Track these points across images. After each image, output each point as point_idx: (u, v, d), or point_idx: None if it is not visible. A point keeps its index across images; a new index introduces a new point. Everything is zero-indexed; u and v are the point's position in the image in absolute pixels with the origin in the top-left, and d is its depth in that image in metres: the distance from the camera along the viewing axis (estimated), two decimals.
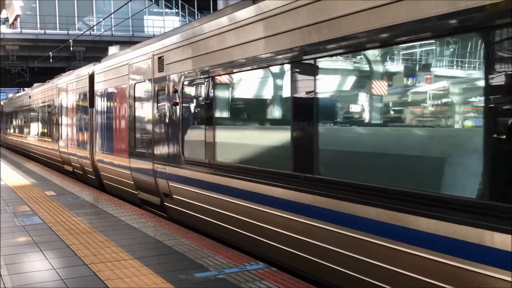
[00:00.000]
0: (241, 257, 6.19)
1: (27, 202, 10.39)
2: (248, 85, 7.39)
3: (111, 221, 8.45)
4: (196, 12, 47.17)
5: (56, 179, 14.63)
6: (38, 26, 41.39)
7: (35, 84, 24.77)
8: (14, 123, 30.48)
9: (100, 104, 12.80)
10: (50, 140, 19.02)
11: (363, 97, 5.60)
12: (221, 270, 5.60)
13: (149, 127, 9.59)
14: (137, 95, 10.33)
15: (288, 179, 5.67)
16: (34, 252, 6.52)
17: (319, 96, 5.29)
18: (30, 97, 23.97)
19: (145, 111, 9.87)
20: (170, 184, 8.60)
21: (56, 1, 43.46)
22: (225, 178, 6.92)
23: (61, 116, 17.13)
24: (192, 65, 7.86)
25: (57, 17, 42.93)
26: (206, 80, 7.46)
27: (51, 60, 32.79)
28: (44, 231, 7.66)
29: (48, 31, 40.30)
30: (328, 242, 5.10)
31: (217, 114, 7.52)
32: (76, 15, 44.10)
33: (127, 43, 33.17)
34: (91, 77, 13.51)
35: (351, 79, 5.86)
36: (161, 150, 8.98)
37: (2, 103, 37.48)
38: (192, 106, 8.38)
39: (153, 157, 9.27)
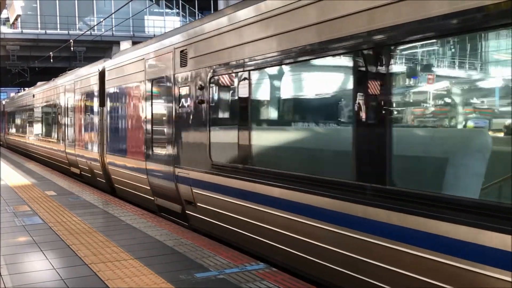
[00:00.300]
0: (241, 257, 6.18)
1: (28, 202, 10.39)
2: (298, 79, 6.36)
3: (112, 221, 8.45)
4: (196, 12, 47.19)
5: (57, 179, 14.63)
6: (39, 26, 41.46)
7: (39, 83, 24.10)
8: (16, 123, 29.40)
9: (112, 102, 11.96)
10: (55, 140, 18.17)
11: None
12: (221, 270, 5.60)
13: (169, 127, 8.71)
14: (154, 92, 9.51)
15: (351, 191, 4.71)
16: (34, 252, 6.52)
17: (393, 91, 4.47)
18: (33, 96, 23.13)
19: (165, 110, 8.99)
20: (194, 190, 7.74)
21: (57, 1, 43.51)
22: (263, 186, 6.04)
23: (67, 115, 16.32)
24: (225, 57, 6.93)
25: (58, 17, 43.00)
26: (243, 74, 6.54)
27: (51, 60, 32.83)
28: (44, 231, 7.66)
29: (48, 31, 40.37)
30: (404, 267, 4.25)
31: (255, 113, 6.67)
32: (76, 15, 44.16)
33: None
34: (102, 74, 12.67)
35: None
36: (184, 153, 8.17)
37: (3, 102, 36.54)
38: (223, 104, 7.55)
39: (174, 161, 8.43)
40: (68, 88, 16.13)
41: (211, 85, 7.39)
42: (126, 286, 5.12)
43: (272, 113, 6.91)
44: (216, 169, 7.11)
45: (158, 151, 9.23)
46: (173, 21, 46.77)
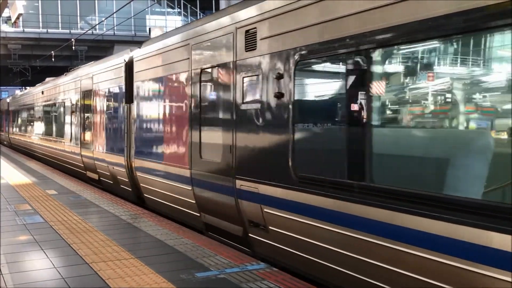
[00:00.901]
0: (242, 257, 6.18)
1: (29, 201, 10.39)
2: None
3: (112, 220, 8.45)
4: (198, 12, 47.20)
5: (58, 178, 14.64)
6: (41, 25, 41.54)
7: (48, 79, 22.68)
8: (22, 122, 27.31)
9: (143, 98, 10.24)
10: (68, 141, 16.34)
11: None
12: (222, 270, 5.60)
13: (227, 128, 6.95)
14: (204, 84, 7.79)
15: None
16: (35, 250, 6.52)
17: None
18: (42, 93, 21.34)
19: (220, 106, 7.23)
20: (265, 210, 6.08)
21: (59, 1, 43.56)
22: (388, 212, 4.39)
23: (83, 114, 14.55)
24: (325, 33, 5.12)
25: (60, 16, 43.04)
26: (359, 54, 4.77)
27: (53, 59, 32.81)
28: (45, 230, 7.67)
29: (50, 30, 40.46)
30: None
31: (380, 109, 4.83)
32: (78, 14, 44.20)
33: (129, 42, 33.34)
34: (129, 66, 11.02)
35: None
36: (251, 161, 6.40)
37: (8, 100, 34.51)
38: (319, 98, 6.03)
39: (235, 170, 6.67)
40: (85, 83, 14.50)
41: (297, 72, 5.65)
42: (127, 285, 5.12)
43: (414, 109, 4.79)
44: (304, 183, 5.42)
45: (210, 157, 7.44)
46: (174, 20, 46.79)
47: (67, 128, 16.70)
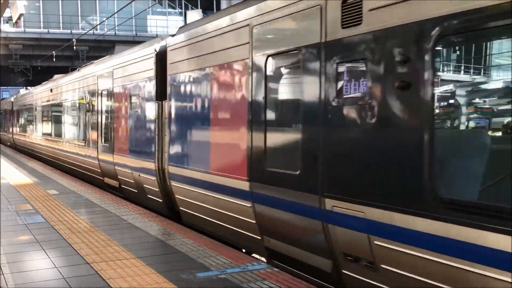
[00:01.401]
0: (243, 257, 6.18)
1: (30, 200, 10.39)
2: None
3: (114, 220, 8.45)
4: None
5: (59, 178, 14.64)
6: (42, 25, 41.55)
7: (56, 76, 21.08)
8: (28, 122, 25.40)
9: (181, 94, 8.52)
10: (83, 144, 14.61)
11: None
12: (223, 270, 5.60)
13: (310, 130, 5.42)
14: (272, 75, 6.25)
15: None
16: (36, 250, 6.52)
17: None
18: (51, 90, 19.51)
19: (297, 102, 5.70)
20: (376, 242, 4.60)
21: (60, 1, 43.59)
22: None
23: (101, 113, 12.99)
24: None
25: (61, 16, 43.06)
26: None
27: (54, 59, 32.84)
28: (46, 230, 7.67)
29: (51, 30, 40.47)
30: None
31: None
32: (79, 14, 44.23)
33: (130, 42, 33.35)
34: (160, 57, 9.43)
35: None
36: (353, 175, 4.82)
37: (12, 99, 32.67)
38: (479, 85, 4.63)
39: (323, 186, 5.18)
40: (103, 79, 12.92)
41: (438, 53, 4.30)
42: (128, 285, 5.12)
43: None
44: (454, 210, 3.83)
45: (281, 167, 5.90)
46: (175, 20, 46.81)
47: (80, 129, 15.11)
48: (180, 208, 8.77)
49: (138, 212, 9.09)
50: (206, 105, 7.72)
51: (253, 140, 6.41)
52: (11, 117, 31.93)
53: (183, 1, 47.92)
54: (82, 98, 14.79)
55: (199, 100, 7.97)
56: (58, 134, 18.21)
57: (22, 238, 7.19)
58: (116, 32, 38.48)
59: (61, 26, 42.42)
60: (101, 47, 38.65)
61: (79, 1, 44.18)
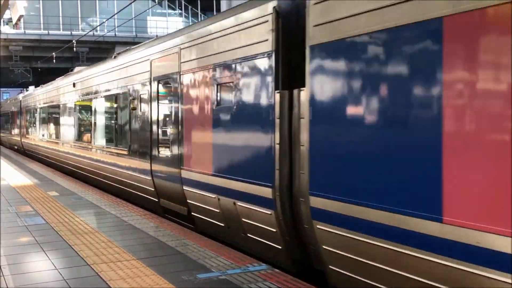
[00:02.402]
0: (243, 258, 6.17)
1: (30, 202, 10.39)
2: None
3: (114, 221, 8.44)
4: (199, 13, 47.26)
5: (59, 179, 14.64)
6: (42, 27, 41.59)
7: (78, 68, 17.96)
8: (42, 123, 21.60)
9: (349, 77, 4.97)
10: (125, 152, 11.20)
11: None
12: (223, 271, 5.59)
13: None
14: None
15: None
16: (36, 252, 6.52)
17: None
18: (74, 85, 16.00)
19: None
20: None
21: (60, 2, 43.63)
22: None
23: (157, 111, 9.64)
24: None
25: (61, 18, 43.13)
26: None
27: (54, 61, 32.89)
28: (46, 231, 7.66)
29: (51, 32, 40.54)
30: None
31: None
32: (79, 15, 44.29)
33: (130, 43, 33.37)
34: (285, 19, 6.16)
35: None
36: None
37: (20, 97, 29.13)
38: None
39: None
40: (162, 64, 9.43)
41: None
42: (128, 287, 5.11)
43: None
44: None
45: None
46: (175, 21, 46.84)
47: (121, 133, 11.89)
48: (330, 266, 5.36)
49: (138, 214, 9.09)
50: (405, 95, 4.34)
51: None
52: (19, 118, 28.10)
53: (183, 2, 47.94)
54: (124, 93, 11.34)
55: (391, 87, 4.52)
56: (85, 139, 14.75)
57: (23, 240, 7.19)
58: (116, 33, 38.53)
59: (61, 27, 42.48)
60: (101, 48, 38.72)
61: (79, 2, 44.24)
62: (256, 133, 6.49)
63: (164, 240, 7.07)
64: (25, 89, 42.47)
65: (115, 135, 12.35)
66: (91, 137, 14.07)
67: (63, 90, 17.67)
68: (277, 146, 6.03)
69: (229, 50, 7.07)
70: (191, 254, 6.31)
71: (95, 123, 13.91)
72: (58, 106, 18.30)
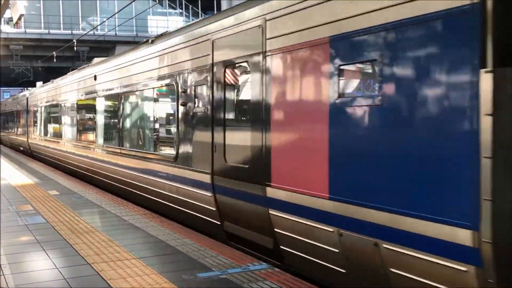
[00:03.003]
0: (244, 257, 6.17)
1: (30, 201, 10.39)
2: None
3: (114, 220, 8.44)
4: (200, 12, 47.25)
5: (60, 178, 14.64)
6: (42, 26, 41.62)
7: (97, 59, 15.56)
8: (54, 123, 19.19)
9: None
10: (170, 159, 8.74)
11: None
12: (224, 270, 5.59)
13: None
14: None
15: None
16: (37, 251, 6.52)
17: None
18: (95, 78, 13.55)
19: None
20: None
21: (60, 1, 43.67)
22: None
23: (221, 107, 7.18)
24: None
25: (61, 17, 43.15)
26: None
27: (54, 60, 32.90)
28: (47, 231, 7.66)
29: (52, 31, 40.57)
30: None
31: None
32: (80, 15, 44.31)
33: (131, 43, 33.36)
34: None
35: None
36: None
37: (27, 94, 26.56)
38: None
39: None
40: (231, 43, 7.03)
41: None
42: (129, 286, 5.11)
43: None
44: None
45: None
46: (176, 21, 46.83)
47: (165, 135, 9.70)
48: None
49: (139, 213, 9.08)
50: None
51: None
52: (26, 117, 25.66)
53: (183, 2, 47.93)
54: (168, 84, 9.00)
55: None
56: (113, 143, 12.23)
57: (23, 239, 7.18)
58: (117, 32, 38.54)
59: (61, 26, 42.50)
60: (101, 48, 38.73)
61: (79, 2, 44.25)
62: (435, 139, 4.04)
63: (164, 239, 7.07)
64: (25, 88, 42.49)
65: (153, 137, 9.99)
66: (118, 139, 11.69)
67: (80, 85, 15.26)
68: (487, 161, 3.63)
69: (366, 13, 4.61)
70: (192, 253, 6.31)
71: (123, 123, 11.55)
72: (74, 103, 15.94)
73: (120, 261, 5.98)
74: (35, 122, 23.02)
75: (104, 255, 6.24)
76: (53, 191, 11.92)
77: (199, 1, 47.33)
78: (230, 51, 7.03)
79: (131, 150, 10.86)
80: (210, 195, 7.42)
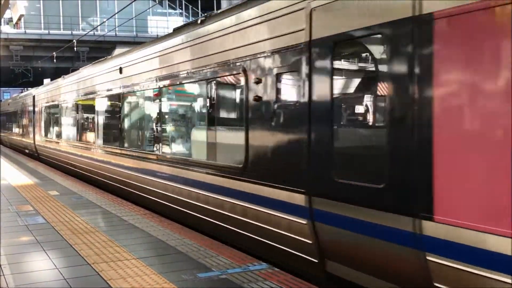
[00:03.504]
0: (244, 257, 6.17)
1: (30, 201, 10.39)
2: None
3: (114, 221, 8.44)
4: (199, 12, 47.24)
5: (60, 179, 14.63)
6: (42, 26, 41.63)
7: (118, 50, 14.17)
8: (68, 124, 16.99)
9: None
10: (235, 171, 6.70)
11: None
12: (224, 271, 5.59)
13: None
14: None
15: None
16: (37, 251, 6.52)
17: None
18: (120, 71, 11.40)
19: None
20: None
21: (60, 1, 43.67)
22: None
23: (332, 99, 5.06)
24: None
25: (61, 17, 43.17)
26: None
27: (54, 60, 32.89)
28: (47, 231, 7.66)
29: (52, 31, 40.60)
30: None
31: None
32: (80, 15, 44.31)
33: (131, 43, 33.37)
34: None
35: None
36: None
37: (34, 92, 24.16)
38: None
39: None
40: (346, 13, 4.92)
41: None
42: (129, 286, 5.11)
43: None
44: None
45: None
46: (176, 21, 46.84)
47: (226, 138, 7.61)
48: None
49: (139, 213, 9.08)
50: None
51: None
52: (32, 117, 23.61)
53: (183, 2, 47.94)
54: (234, 74, 6.98)
55: None
56: (142, 147, 10.48)
57: (23, 239, 7.18)
58: (117, 33, 38.54)
59: (61, 27, 42.51)
60: (101, 48, 38.70)
61: (79, 2, 44.26)
62: None
63: (164, 239, 7.07)
64: (26, 88, 42.48)
65: (211, 140, 7.75)
66: (158, 145, 9.50)
67: (102, 79, 13.02)
68: None
69: None
70: (191, 253, 6.31)
71: (162, 123, 9.50)
72: (92, 101, 13.82)
73: (120, 261, 5.98)
74: (45, 122, 20.74)
75: (104, 255, 6.24)
76: (53, 191, 11.92)
77: (199, 1, 47.32)
78: (342, 22, 4.90)
79: (174, 157, 8.80)
80: (304, 222, 5.46)
